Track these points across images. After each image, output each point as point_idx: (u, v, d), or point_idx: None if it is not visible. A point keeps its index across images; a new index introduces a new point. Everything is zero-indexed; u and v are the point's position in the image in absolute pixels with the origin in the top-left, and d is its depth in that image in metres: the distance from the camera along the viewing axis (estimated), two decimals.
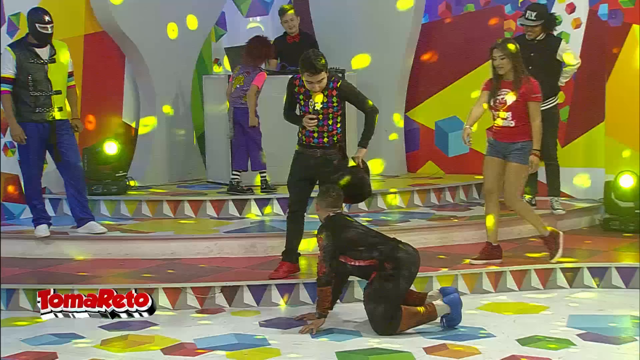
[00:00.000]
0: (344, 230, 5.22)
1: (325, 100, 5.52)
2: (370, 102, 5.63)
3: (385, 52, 8.31)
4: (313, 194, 5.78)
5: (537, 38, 6.99)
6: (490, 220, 6.06)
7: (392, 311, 5.01)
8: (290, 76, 5.75)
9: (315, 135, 5.57)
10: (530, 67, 6.99)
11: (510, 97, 5.87)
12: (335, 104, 5.55)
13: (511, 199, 6.02)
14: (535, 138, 5.90)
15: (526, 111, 5.89)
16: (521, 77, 5.89)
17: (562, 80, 7.13)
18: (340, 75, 7.70)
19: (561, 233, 6.14)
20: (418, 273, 5.38)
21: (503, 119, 5.92)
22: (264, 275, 5.83)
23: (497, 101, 5.92)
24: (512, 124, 5.89)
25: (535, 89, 5.92)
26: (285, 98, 5.71)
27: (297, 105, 5.64)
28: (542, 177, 7.28)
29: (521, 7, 7.62)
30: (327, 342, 4.95)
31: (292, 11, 7.60)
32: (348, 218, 5.38)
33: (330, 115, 5.56)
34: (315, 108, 5.52)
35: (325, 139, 5.58)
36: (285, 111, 5.73)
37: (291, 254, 5.79)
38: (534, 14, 6.92)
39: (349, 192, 5.44)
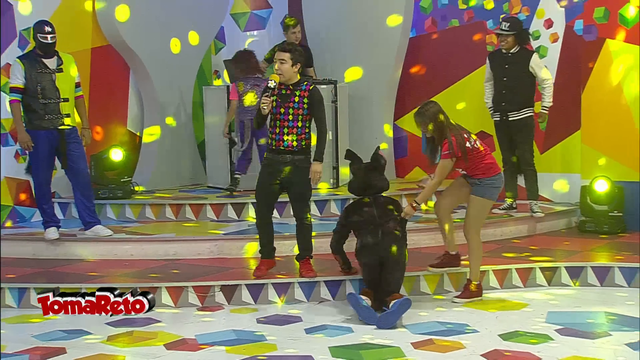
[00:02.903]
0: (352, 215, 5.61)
1: (297, 100, 5.52)
2: (325, 123, 5.64)
3: (375, 64, 8.32)
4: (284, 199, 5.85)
5: (512, 51, 7.04)
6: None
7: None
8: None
9: (285, 137, 5.53)
10: (505, 79, 7.07)
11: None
12: (305, 107, 5.55)
13: (469, 229, 5.61)
14: (422, 193, 5.52)
15: (470, 159, 5.48)
16: (442, 139, 5.46)
17: (547, 100, 6.97)
18: (332, 84, 7.76)
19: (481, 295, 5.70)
20: (406, 273, 5.44)
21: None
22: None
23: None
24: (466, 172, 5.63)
25: (444, 147, 5.45)
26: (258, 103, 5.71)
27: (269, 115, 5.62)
28: (522, 181, 7.31)
29: None
30: (321, 337, 4.96)
31: (298, 25, 7.85)
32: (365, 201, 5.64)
33: (300, 117, 5.54)
34: (270, 86, 5.46)
35: (295, 142, 5.55)
36: (256, 118, 5.70)
37: (269, 252, 5.80)
38: (507, 24, 7.01)
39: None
